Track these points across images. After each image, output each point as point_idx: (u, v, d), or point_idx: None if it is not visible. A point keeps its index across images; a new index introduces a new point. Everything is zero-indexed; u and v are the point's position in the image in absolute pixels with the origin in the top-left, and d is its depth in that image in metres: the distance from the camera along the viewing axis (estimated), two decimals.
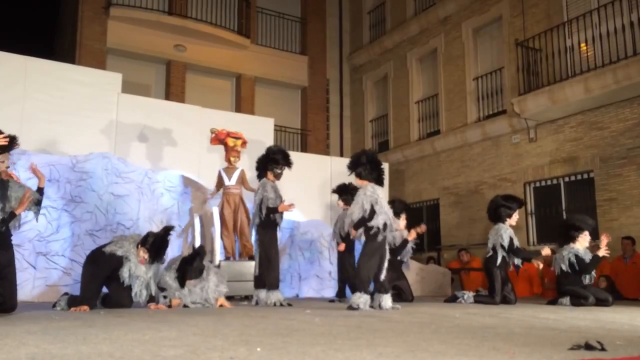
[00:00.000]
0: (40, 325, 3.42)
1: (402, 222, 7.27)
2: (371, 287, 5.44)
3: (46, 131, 7.45)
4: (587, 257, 6.63)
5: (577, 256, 6.60)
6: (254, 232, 6.39)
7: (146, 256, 5.15)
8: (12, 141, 4.56)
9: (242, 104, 13.86)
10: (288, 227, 8.55)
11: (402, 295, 7.10)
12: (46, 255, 6.55)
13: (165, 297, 5.54)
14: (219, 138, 7.73)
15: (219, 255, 7.35)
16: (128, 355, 2.25)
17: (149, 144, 8.31)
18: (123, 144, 8.04)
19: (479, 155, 11.85)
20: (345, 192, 7.26)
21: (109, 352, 2.32)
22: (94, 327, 3.37)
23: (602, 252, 6.60)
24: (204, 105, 9.43)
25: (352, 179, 5.93)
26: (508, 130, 11.17)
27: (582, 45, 9.85)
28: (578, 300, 6.43)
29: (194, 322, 3.74)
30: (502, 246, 6.75)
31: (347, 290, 7.17)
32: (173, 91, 12.96)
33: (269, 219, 6.06)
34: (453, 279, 10.18)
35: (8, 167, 4.66)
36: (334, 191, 7.67)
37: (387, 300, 5.42)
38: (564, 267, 6.68)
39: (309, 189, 9.46)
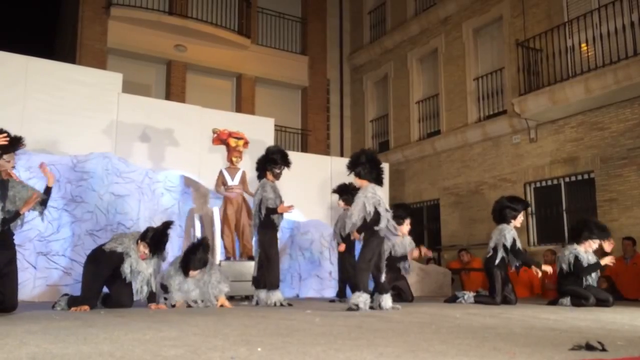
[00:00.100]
0: (41, 325, 3.42)
1: (406, 227, 7.26)
2: (371, 286, 5.43)
3: (47, 131, 7.45)
4: (588, 259, 6.60)
5: (576, 257, 6.60)
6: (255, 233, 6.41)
7: (146, 251, 5.16)
8: (18, 141, 4.58)
9: (243, 104, 13.86)
10: (288, 227, 8.56)
11: (402, 295, 7.10)
12: (47, 255, 6.56)
13: (166, 298, 5.55)
14: (220, 138, 7.74)
15: (219, 255, 7.36)
16: (129, 355, 2.25)
17: (149, 144, 8.32)
18: (123, 143, 8.04)
19: (479, 155, 11.85)
20: (346, 192, 7.26)
21: (109, 352, 2.32)
22: (95, 326, 3.37)
23: (607, 261, 6.57)
24: (205, 105, 9.44)
25: (352, 179, 5.92)
26: (508, 131, 11.17)
27: (583, 45, 9.85)
28: (579, 301, 6.43)
29: (195, 322, 3.74)
30: (505, 246, 6.74)
31: (348, 290, 7.17)
32: (173, 91, 12.96)
33: (268, 219, 6.06)
34: (453, 279, 10.18)
35: (13, 166, 4.67)
36: (335, 191, 7.67)
37: (387, 300, 5.42)
38: (564, 267, 6.69)
39: (310, 189, 9.47)
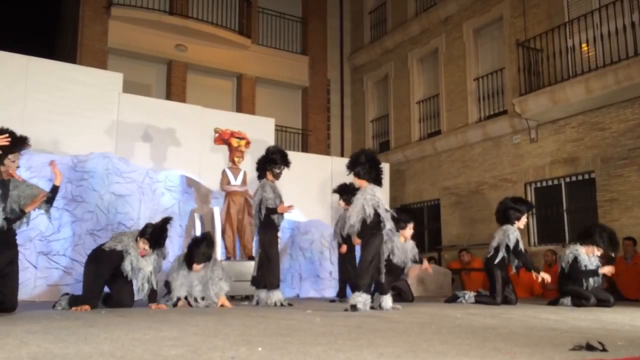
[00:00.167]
0: (41, 325, 3.42)
1: (409, 231, 7.25)
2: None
3: (47, 131, 7.45)
4: (588, 262, 6.57)
5: (575, 258, 6.58)
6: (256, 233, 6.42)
7: (146, 247, 5.17)
8: (23, 141, 4.59)
9: (243, 104, 13.86)
10: (289, 227, 8.56)
11: (402, 295, 7.10)
12: (47, 255, 6.56)
13: (168, 295, 5.56)
14: (222, 138, 7.75)
15: (219, 255, 7.36)
16: (129, 355, 2.25)
17: (150, 144, 8.32)
18: (124, 143, 8.04)
19: (479, 155, 11.85)
20: (346, 192, 7.26)
21: (110, 352, 2.32)
22: (95, 326, 3.37)
23: (606, 270, 6.53)
24: (205, 105, 9.44)
25: (352, 179, 5.90)
26: (509, 131, 11.17)
27: (583, 45, 9.85)
28: (579, 301, 6.42)
29: (195, 322, 3.74)
30: (507, 247, 6.72)
31: (348, 290, 7.17)
32: (174, 91, 12.97)
33: (269, 220, 6.06)
34: (454, 280, 10.18)
35: (18, 166, 4.68)
36: (335, 191, 7.67)
37: (387, 300, 5.42)
38: (564, 266, 6.69)
39: (310, 189, 9.47)
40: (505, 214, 6.94)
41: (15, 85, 7.34)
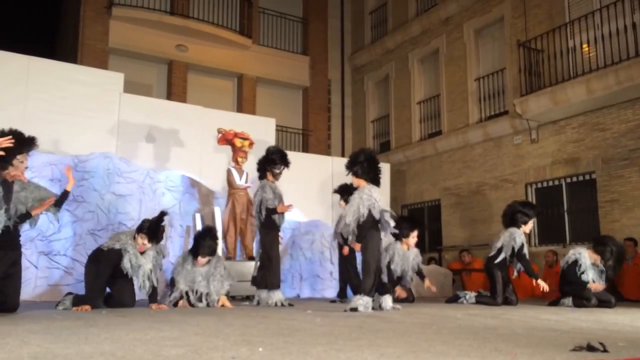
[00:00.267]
0: (42, 325, 3.42)
1: (412, 239, 7.24)
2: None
3: (48, 131, 7.45)
4: (587, 268, 6.54)
5: (575, 261, 6.56)
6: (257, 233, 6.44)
7: (145, 241, 5.18)
8: (31, 142, 4.59)
9: (244, 104, 13.86)
10: (289, 227, 8.56)
11: (402, 282, 7.12)
12: (48, 255, 6.57)
13: (173, 297, 5.58)
14: (226, 138, 7.76)
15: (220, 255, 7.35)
16: (130, 355, 2.25)
17: (150, 144, 8.31)
18: (125, 143, 8.04)
19: (480, 156, 11.84)
20: (347, 193, 7.23)
21: (111, 352, 2.32)
22: (96, 326, 3.37)
23: (593, 287, 6.48)
24: (206, 105, 9.43)
25: (350, 178, 5.87)
26: (510, 131, 11.16)
27: (584, 46, 9.85)
28: (580, 301, 6.42)
29: (196, 322, 3.74)
30: (512, 249, 6.68)
31: (349, 291, 7.17)
32: (175, 91, 12.97)
33: (270, 220, 6.07)
34: (454, 280, 10.18)
35: (27, 167, 4.68)
36: (335, 191, 7.67)
37: (387, 300, 5.41)
38: (563, 266, 6.69)
39: (310, 189, 9.46)
40: (512, 217, 6.90)
41: (16, 85, 7.34)
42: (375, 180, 5.47)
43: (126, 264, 5.13)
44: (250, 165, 7.79)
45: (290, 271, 8.42)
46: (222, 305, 5.66)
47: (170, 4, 13.13)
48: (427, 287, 7.26)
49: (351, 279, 7.09)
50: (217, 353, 2.33)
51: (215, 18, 13.42)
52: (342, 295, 7.31)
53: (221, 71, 13.92)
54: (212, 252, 5.65)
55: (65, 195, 5.00)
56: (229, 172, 7.62)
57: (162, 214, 5.36)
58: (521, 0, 11.14)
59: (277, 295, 5.90)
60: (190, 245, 7.55)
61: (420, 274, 7.35)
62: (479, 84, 12.14)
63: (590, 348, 2.52)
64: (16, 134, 4.44)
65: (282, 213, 6.12)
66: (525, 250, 6.76)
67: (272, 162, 6.22)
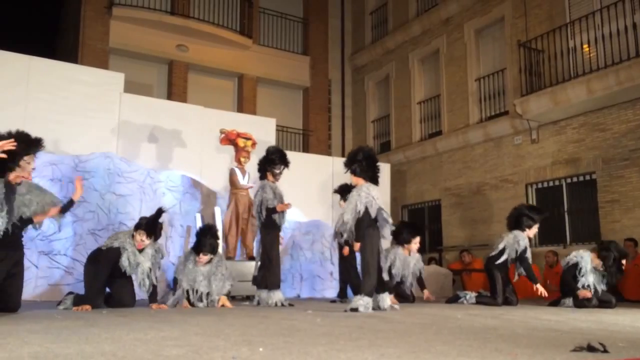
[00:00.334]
0: (43, 325, 3.43)
1: (415, 245, 7.23)
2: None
3: (49, 131, 7.40)
4: (588, 271, 6.53)
5: (576, 264, 6.56)
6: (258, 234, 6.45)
7: (143, 237, 5.19)
8: (38, 143, 4.60)
9: (244, 104, 13.87)
10: (290, 227, 8.56)
11: (402, 288, 7.12)
12: (48, 255, 6.57)
13: (176, 295, 5.60)
14: (229, 138, 7.77)
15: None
16: (130, 355, 2.26)
17: (151, 144, 8.31)
18: (125, 143, 8.04)
19: (480, 156, 11.84)
20: (347, 192, 7.18)
21: (111, 352, 2.32)
22: (96, 326, 3.37)
23: (581, 294, 6.45)
24: (206, 105, 9.43)
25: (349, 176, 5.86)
26: (510, 132, 11.16)
27: (585, 46, 9.85)
28: (581, 302, 6.42)
29: (196, 322, 3.75)
30: (516, 251, 6.65)
31: (349, 291, 7.17)
32: (175, 91, 12.98)
33: (270, 220, 6.08)
34: (454, 280, 10.18)
35: (34, 168, 4.67)
36: (336, 191, 7.67)
37: (385, 299, 5.39)
38: (563, 267, 6.68)
39: (311, 190, 9.46)
40: (517, 220, 6.86)
41: (17, 85, 7.34)
42: (373, 178, 5.45)
43: (124, 261, 5.14)
44: (252, 165, 7.81)
45: (291, 271, 8.43)
46: (223, 305, 5.66)
47: (171, 3, 13.13)
48: (426, 298, 7.29)
49: (351, 279, 7.09)
50: (217, 353, 2.33)
51: (216, 18, 13.43)
52: (342, 296, 7.31)
53: (222, 71, 13.92)
54: (213, 249, 5.66)
55: (71, 204, 5.07)
56: (232, 172, 7.63)
57: (160, 210, 5.37)
58: (522, 1, 11.14)
59: (277, 295, 5.90)
60: (190, 245, 7.60)
61: (420, 282, 7.35)
62: (479, 84, 12.14)
63: (591, 348, 2.52)
64: (22, 136, 4.45)
65: (283, 212, 6.13)
66: (528, 254, 6.72)
67: (272, 162, 6.23)
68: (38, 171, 6.56)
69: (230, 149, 8.05)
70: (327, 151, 14.72)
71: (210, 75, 13.91)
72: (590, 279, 6.50)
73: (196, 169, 8.46)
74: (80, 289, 5.45)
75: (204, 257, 5.62)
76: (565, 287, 6.70)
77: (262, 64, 14.24)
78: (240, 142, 7.68)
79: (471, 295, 6.92)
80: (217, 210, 7.77)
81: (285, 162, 6.29)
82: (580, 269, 6.52)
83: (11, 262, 4.49)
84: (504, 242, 6.78)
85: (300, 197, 8.50)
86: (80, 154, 7.25)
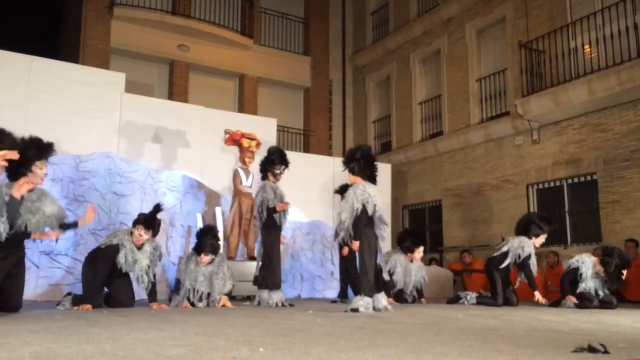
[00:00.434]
0: (44, 324, 3.43)
1: (418, 254, 7.23)
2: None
3: (50, 131, 7.39)
4: (588, 276, 6.52)
5: (577, 268, 6.55)
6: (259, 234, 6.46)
7: (142, 232, 5.19)
8: (50, 147, 4.59)
9: (245, 104, 13.87)
10: (290, 227, 8.56)
11: (402, 295, 7.11)
12: (49, 254, 6.57)
13: (179, 296, 5.60)
14: (233, 139, 7.78)
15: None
16: (131, 355, 2.26)
17: (152, 144, 8.32)
18: (126, 143, 8.05)
19: (481, 156, 11.84)
20: None
21: (112, 351, 2.32)
22: (97, 326, 3.37)
23: (571, 300, 6.47)
24: (207, 106, 9.44)
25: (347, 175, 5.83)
26: (511, 132, 11.16)
27: (586, 47, 9.84)
28: (582, 302, 6.41)
29: (197, 322, 3.75)
30: (519, 256, 6.61)
31: (349, 291, 7.17)
32: (176, 91, 12.98)
33: (271, 220, 6.08)
34: (455, 281, 10.17)
35: (46, 173, 4.65)
36: (336, 191, 7.68)
37: (381, 298, 5.37)
38: (565, 269, 6.68)
39: (312, 190, 9.47)
40: (526, 227, 6.80)
41: (18, 85, 7.34)
42: (371, 177, 5.45)
43: (121, 258, 5.12)
44: (257, 166, 7.82)
45: (291, 271, 8.43)
46: (223, 305, 5.66)
47: (172, 3, 13.14)
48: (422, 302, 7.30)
49: (352, 280, 7.09)
50: (218, 353, 2.33)
51: (217, 18, 13.43)
52: (342, 296, 7.31)
53: (222, 71, 13.93)
54: (214, 250, 5.66)
55: (75, 226, 5.05)
56: (235, 173, 7.63)
57: (157, 206, 5.37)
58: (523, 1, 11.14)
59: (277, 296, 5.91)
60: (191, 245, 7.61)
61: (419, 291, 7.33)
62: (480, 84, 12.13)
63: (592, 349, 2.52)
64: (35, 141, 4.44)
65: (283, 211, 6.14)
66: (533, 261, 6.63)
67: (272, 162, 6.25)
68: None
69: (232, 149, 8.05)
70: (327, 151, 14.72)
71: (211, 75, 13.91)
72: (590, 285, 6.49)
73: (197, 169, 8.46)
74: (80, 289, 5.45)
75: (206, 258, 5.62)
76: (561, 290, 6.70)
77: (263, 64, 14.25)
78: (245, 143, 7.69)
79: (472, 296, 6.91)
80: (218, 211, 7.78)
81: (285, 162, 6.30)
82: (581, 274, 6.51)
83: (12, 262, 4.48)
84: (508, 245, 6.73)
85: (301, 197, 8.50)
86: (81, 154, 7.25)
